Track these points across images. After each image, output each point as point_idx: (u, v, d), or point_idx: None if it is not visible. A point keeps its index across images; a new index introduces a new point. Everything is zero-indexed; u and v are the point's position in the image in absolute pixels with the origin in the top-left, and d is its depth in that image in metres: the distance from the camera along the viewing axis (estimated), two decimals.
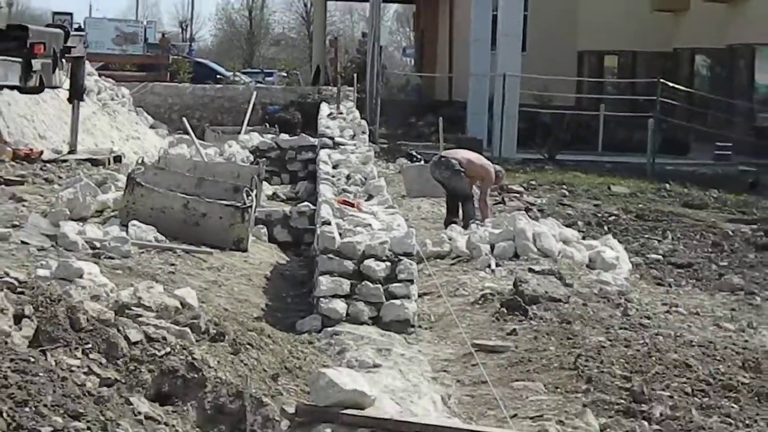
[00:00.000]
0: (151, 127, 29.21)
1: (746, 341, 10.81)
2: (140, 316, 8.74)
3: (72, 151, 21.61)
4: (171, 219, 13.59)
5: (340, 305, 10.81)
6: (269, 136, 24.70)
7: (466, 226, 16.38)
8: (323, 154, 19.41)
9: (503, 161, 26.44)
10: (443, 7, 47.56)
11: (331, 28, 59.21)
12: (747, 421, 8.05)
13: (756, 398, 8.60)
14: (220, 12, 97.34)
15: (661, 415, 8.02)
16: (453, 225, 16.56)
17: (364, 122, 26.83)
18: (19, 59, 20.29)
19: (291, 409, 6.92)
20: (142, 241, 12.91)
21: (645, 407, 8.15)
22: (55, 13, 59.39)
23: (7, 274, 8.15)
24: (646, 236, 18.24)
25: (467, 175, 17.14)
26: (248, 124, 28.41)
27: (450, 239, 15.23)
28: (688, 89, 35.68)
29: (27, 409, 5.43)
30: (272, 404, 7.20)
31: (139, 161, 17.62)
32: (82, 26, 54.02)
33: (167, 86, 39.85)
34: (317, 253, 11.64)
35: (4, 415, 5.31)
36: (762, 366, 9.52)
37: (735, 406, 8.39)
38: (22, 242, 12.28)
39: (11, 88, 20.64)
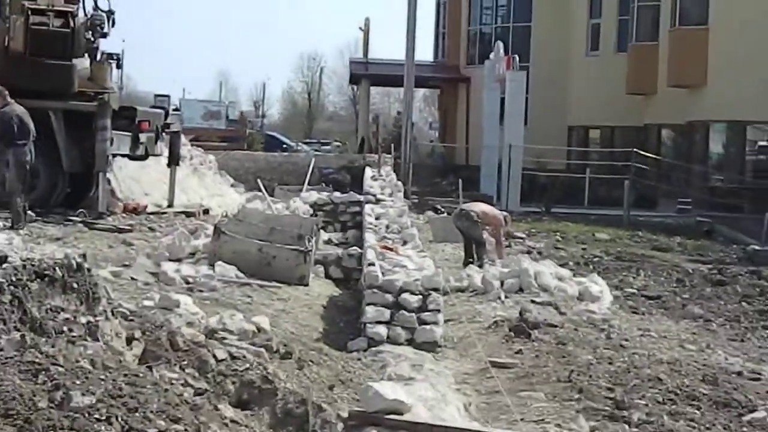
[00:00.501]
0: (232, 186, 29.31)
1: (706, 359, 10.72)
2: (225, 338, 8.76)
3: (170, 206, 21.75)
4: (248, 260, 13.64)
5: (382, 329, 10.80)
6: (325, 193, 24.68)
7: (480, 266, 16.35)
8: (367, 208, 19.42)
9: (509, 213, 26.41)
10: (462, 91, 47.64)
11: (373, 107, 59.27)
12: (707, 425, 8.02)
13: (714, 406, 8.55)
14: (285, 94, 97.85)
15: (638, 419, 7.98)
16: (470, 265, 16.53)
17: (399, 182, 26.86)
18: (129, 133, 20.47)
19: (345, 414, 6.90)
20: (225, 277, 12.96)
21: (626, 413, 8.12)
22: (156, 96, 59.77)
23: (120, 305, 8.18)
24: (624, 274, 18.14)
25: (482, 223, 17.15)
26: (308, 184, 28.43)
27: (468, 276, 15.19)
28: (656, 156, 35.62)
29: (137, 414, 5.43)
30: (330, 410, 7.18)
31: (223, 214, 17.69)
32: (178, 106, 54.40)
33: (244, 154, 40.10)
34: (364, 288, 11.61)
35: (119, 419, 5.30)
36: (719, 380, 9.45)
37: (697, 412, 8.35)
38: (132, 278, 12.36)
39: (123, 155, 20.81)
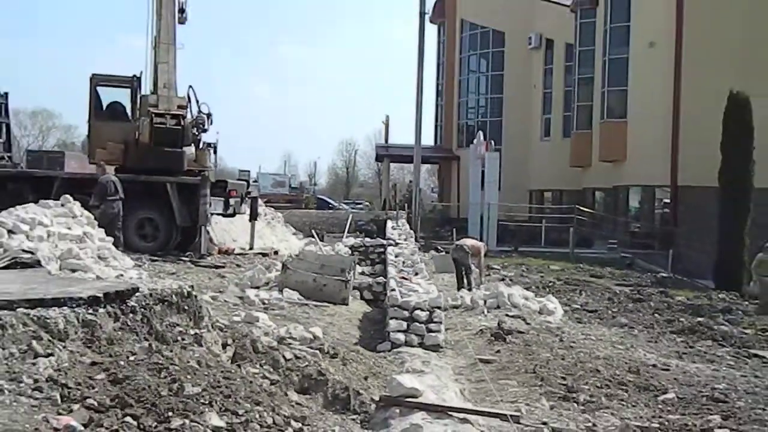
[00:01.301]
0: (294, 234, 29.30)
1: (630, 356, 10.65)
2: (291, 343, 8.73)
3: (251, 249, 21.76)
4: (306, 287, 13.63)
5: (401, 336, 10.76)
6: (359, 239, 24.72)
7: (469, 289, 16.29)
8: (389, 249, 19.44)
9: (488, 251, 26.38)
10: (454, 166, 47.69)
11: (392, 177, 59.28)
12: (633, 403, 7.95)
13: (638, 389, 8.50)
14: (330, 169, 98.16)
15: (584, 400, 7.92)
16: (462, 289, 16.48)
17: (411, 231, 26.89)
18: (222, 199, 20.60)
19: (376, 398, 6.86)
20: (290, 300, 12.96)
21: (575, 395, 8.06)
22: (240, 171, 59.90)
23: (217, 320, 8.17)
24: (570, 294, 18.07)
25: (471, 255, 17.12)
26: (347, 232, 28.47)
27: (461, 297, 15.12)
28: (591, 211, 35.58)
29: (230, 399, 5.40)
30: (365, 394, 7.14)
31: (288, 255, 17.71)
32: (256, 178, 54.58)
33: (303, 212, 40.18)
34: (388, 306, 11.59)
35: (218, 403, 5.28)
36: (640, 370, 9.40)
37: (626, 394, 8.30)
38: (225, 301, 12.35)
39: (218, 214, 20.92)
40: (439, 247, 27.49)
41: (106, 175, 17.69)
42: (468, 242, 17.78)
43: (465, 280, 17.03)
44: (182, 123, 20.27)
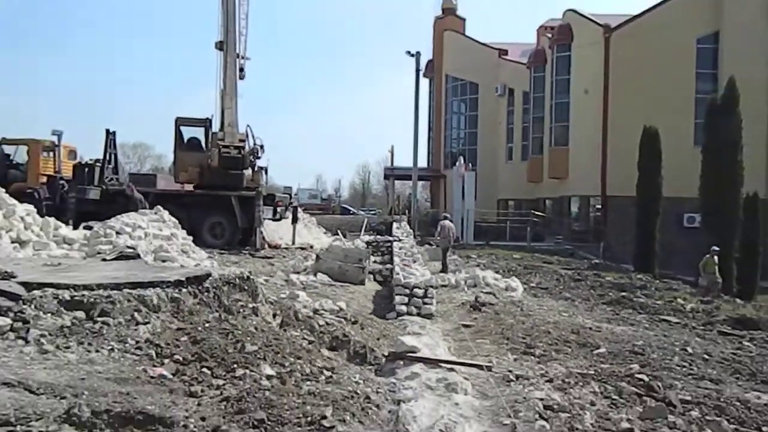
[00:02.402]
0: (324, 233, 29.22)
1: (573, 321, 10.59)
2: (323, 313, 8.72)
3: (293, 244, 21.77)
4: (334, 271, 13.62)
5: (404, 308, 10.72)
6: (372, 236, 24.65)
7: (453, 272, 16.20)
8: (394, 244, 19.36)
9: (467, 244, 26.36)
10: (441, 182, 47.50)
11: (396, 190, 59.03)
12: (575, 356, 7.89)
13: (579, 346, 8.44)
14: (350, 185, 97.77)
15: (539, 354, 7.88)
16: (448, 273, 16.39)
17: (410, 230, 26.79)
18: (271, 207, 20.63)
19: (386, 353, 6.84)
20: (322, 281, 12.95)
21: (532, 350, 8.01)
22: (285, 186, 59.68)
23: (269, 297, 8.17)
24: (528, 276, 17.96)
25: (453, 238, 17.06)
26: (364, 231, 28.41)
27: (447, 278, 15.04)
28: (543, 214, 35.44)
29: (278, 355, 5.39)
30: (378, 350, 7.11)
31: (320, 248, 17.69)
32: (296, 192, 54.47)
33: (330, 216, 40.13)
34: (394, 286, 11.55)
35: (270, 358, 5.28)
36: (580, 332, 9.32)
37: (570, 349, 8.24)
38: (274, 282, 12.34)
39: (268, 219, 20.93)
40: (431, 242, 27.39)
41: (134, 194, 17.82)
42: (451, 233, 17.53)
43: (449, 265, 16.89)
44: (242, 153, 20.33)
